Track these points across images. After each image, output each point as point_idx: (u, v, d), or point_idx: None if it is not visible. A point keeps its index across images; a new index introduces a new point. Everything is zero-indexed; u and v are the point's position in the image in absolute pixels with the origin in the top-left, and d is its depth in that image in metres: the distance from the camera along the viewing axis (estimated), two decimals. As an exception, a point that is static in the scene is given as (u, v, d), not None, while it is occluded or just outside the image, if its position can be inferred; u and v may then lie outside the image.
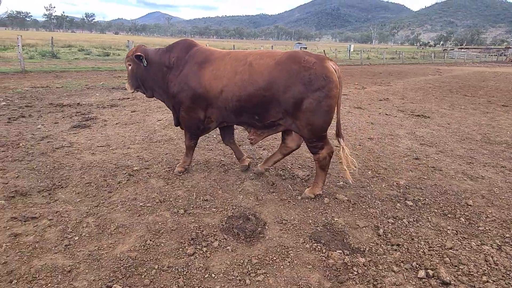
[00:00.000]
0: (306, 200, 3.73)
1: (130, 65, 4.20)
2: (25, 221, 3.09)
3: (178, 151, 5.07)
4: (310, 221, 3.34)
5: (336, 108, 3.55)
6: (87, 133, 5.85)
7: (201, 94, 3.80)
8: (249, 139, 4.03)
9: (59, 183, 3.86)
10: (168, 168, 4.44)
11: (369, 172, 4.62)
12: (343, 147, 3.73)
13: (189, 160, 4.36)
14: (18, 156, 4.56)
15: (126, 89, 4.42)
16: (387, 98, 11.20)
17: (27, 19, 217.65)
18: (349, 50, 47.48)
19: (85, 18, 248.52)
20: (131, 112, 7.48)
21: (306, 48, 56.98)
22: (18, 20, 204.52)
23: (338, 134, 3.78)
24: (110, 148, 5.12)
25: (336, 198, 3.81)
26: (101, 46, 36.71)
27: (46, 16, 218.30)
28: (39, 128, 5.95)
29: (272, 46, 31.38)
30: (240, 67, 3.62)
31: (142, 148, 5.17)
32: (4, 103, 7.72)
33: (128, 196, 3.67)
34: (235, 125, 4.34)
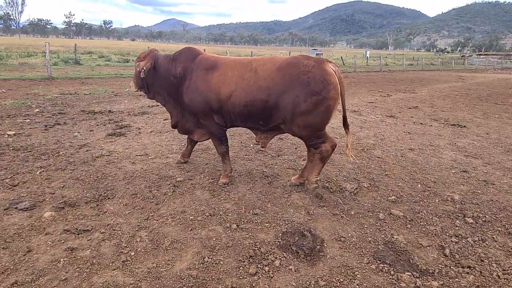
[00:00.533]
0: (360, 215, 3.58)
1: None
2: (78, 234, 3.02)
3: (217, 160, 4.98)
4: (369, 238, 3.18)
5: (340, 104, 3.71)
6: (123, 141, 5.82)
7: (211, 97, 3.86)
8: (257, 141, 4.13)
9: (105, 194, 3.80)
10: (211, 179, 4.34)
11: (419, 186, 4.43)
12: (347, 134, 3.97)
13: (229, 167, 4.28)
14: (60, 165, 4.53)
15: (130, 87, 4.54)
16: (416, 106, 10.93)
17: (48, 26, 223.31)
18: (366, 57, 47.10)
19: (103, 25, 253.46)
20: (163, 120, 7.44)
21: (322, 54, 56.70)
22: (39, 28, 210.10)
23: (345, 125, 3.98)
24: (149, 157, 5.06)
25: (391, 213, 3.65)
26: (120, 52, 37.20)
27: (65, 23, 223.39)
28: (75, 136, 5.95)
29: (289, 52, 31.25)
30: (247, 73, 3.71)
31: (181, 157, 5.09)
32: (37, 110, 7.80)
33: (176, 208, 3.58)
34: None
